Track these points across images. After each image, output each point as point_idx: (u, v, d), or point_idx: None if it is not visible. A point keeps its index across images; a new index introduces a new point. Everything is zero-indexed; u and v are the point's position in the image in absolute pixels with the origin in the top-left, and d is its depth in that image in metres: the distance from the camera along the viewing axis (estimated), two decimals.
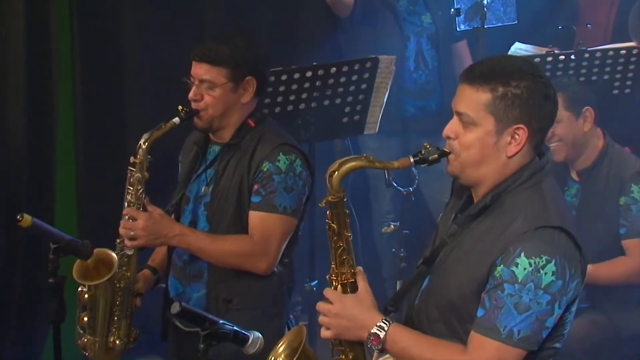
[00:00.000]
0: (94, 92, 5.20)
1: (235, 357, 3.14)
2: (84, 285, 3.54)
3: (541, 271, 2.56)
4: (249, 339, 2.88)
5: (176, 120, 3.58)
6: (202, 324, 2.83)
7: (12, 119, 5.00)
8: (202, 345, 2.81)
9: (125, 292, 3.60)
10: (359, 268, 2.77)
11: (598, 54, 4.92)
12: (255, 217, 3.60)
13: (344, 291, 2.74)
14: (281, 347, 2.85)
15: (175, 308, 2.81)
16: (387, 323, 2.67)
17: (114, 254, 3.56)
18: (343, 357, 2.77)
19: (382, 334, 2.66)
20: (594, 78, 4.92)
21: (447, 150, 2.71)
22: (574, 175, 4.47)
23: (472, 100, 2.66)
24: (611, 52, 4.94)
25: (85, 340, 3.62)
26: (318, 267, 4.61)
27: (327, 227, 2.74)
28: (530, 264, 2.56)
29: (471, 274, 2.65)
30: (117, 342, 3.61)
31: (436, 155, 2.70)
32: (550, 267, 2.57)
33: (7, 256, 5.00)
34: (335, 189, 2.70)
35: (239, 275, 3.63)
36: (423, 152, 2.70)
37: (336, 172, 2.69)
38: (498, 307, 2.58)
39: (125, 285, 3.59)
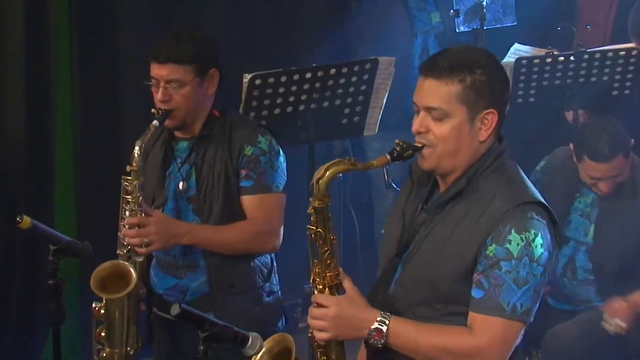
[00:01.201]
0: (92, 94, 5.20)
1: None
2: (100, 301, 3.54)
3: (532, 244, 2.65)
4: (248, 340, 2.87)
5: (155, 123, 3.60)
6: (201, 325, 2.82)
7: (11, 120, 5.00)
8: (201, 347, 2.81)
9: (135, 299, 3.60)
10: (340, 269, 2.81)
11: (597, 55, 4.92)
12: (253, 200, 3.65)
13: (332, 293, 2.78)
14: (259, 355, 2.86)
15: (175, 310, 2.80)
16: (387, 317, 2.71)
17: (127, 264, 3.55)
18: (325, 358, 2.81)
19: (384, 328, 2.69)
20: (593, 79, 4.93)
21: (419, 145, 2.77)
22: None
23: (442, 93, 2.72)
24: (610, 53, 4.94)
25: (105, 355, 3.61)
26: None
27: (310, 233, 2.80)
28: (522, 239, 2.65)
29: (455, 258, 2.70)
30: (129, 348, 3.61)
31: (410, 151, 2.77)
32: (539, 239, 2.66)
33: (6, 258, 4.99)
34: (322, 194, 2.74)
35: (236, 259, 3.68)
36: (398, 149, 2.77)
37: (322, 179, 2.73)
38: (498, 285, 2.65)
39: (134, 292, 3.59)
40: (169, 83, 3.62)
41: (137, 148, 3.57)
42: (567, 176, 4.47)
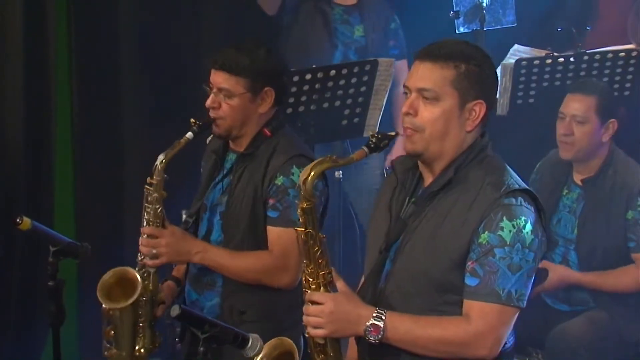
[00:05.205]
0: (91, 95, 5.21)
1: None
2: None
3: (523, 231, 2.73)
4: (248, 341, 2.87)
5: (189, 135, 3.57)
6: (202, 326, 2.83)
7: (11, 121, 5.00)
8: (201, 348, 2.81)
9: (149, 304, 3.59)
10: (332, 268, 2.85)
11: (597, 56, 4.92)
12: (273, 232, 3.57)
13: (326, 291, 2.82)
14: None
15: (175, 311, 2.80)
16: (383, 312, 2.75)
17: (136, 273, 3.55)
18: (323, 356, 2.84)
19: (381, 323, 2.73)
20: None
21: (392, 134, 2.86)
22: (577, 179, 4.45)
23: (436, 76, 2.80)
24: (610, 55, 4.95)
25: (111, 354, 3.61)
26: None
27: (299, 234, 2.83)
28: (513, 226, 2.72)
29: (448, 246, 2.76)
30: (142, 350, 3.61)
31: (386, 141, 2.85)
32: (529, 226, 2.74)
33: (6, 259, 4.99)
34: (309, 194, 2.79)
35: (254, 287, 3.61)
36: (374, 140, 2.85)
37: (307, 179, 2.77)
38: (493, 272, 2.71)
39: (148, 298, 3.59)
40: (220, 91, 3.59)
41: (158, 162, 3.56)
42: (556, 173, 4.49)
